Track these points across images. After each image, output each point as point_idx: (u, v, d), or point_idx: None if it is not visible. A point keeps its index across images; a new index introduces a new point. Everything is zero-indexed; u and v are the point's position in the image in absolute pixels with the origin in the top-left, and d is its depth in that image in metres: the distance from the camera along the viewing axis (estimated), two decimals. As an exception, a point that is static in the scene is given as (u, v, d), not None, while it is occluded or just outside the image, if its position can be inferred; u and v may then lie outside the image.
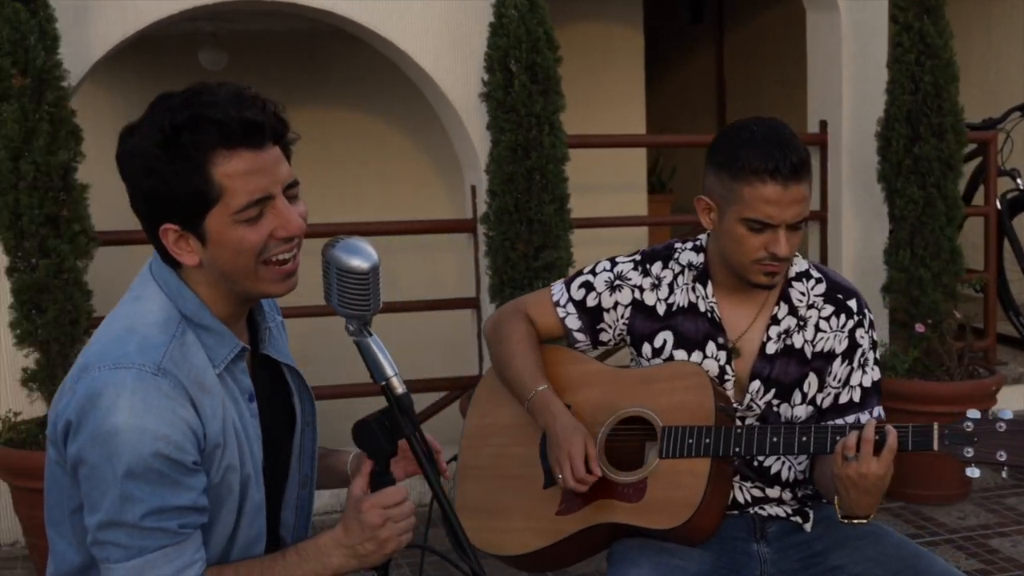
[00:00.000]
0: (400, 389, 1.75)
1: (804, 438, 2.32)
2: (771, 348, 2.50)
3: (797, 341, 2.50)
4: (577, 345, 2.66)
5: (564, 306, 2.63)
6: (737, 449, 2.36)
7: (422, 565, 1.96)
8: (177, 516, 1.70)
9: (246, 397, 1.83)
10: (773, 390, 2.50)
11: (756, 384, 2.49)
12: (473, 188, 4.79)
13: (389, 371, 1.75)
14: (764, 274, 2.41)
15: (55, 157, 3.79)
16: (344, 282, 1.69)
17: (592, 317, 2.61)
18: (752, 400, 2.49)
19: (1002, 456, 2.15)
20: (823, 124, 5.25)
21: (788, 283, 2.52)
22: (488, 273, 4.47)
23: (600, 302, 2.60)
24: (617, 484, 2.44)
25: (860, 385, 2.49)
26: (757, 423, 2.49)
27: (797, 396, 2.50)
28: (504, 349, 2.63)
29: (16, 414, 4.02)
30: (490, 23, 4.36)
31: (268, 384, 1.93)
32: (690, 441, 2.40)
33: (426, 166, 6.62)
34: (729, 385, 2.50)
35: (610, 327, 2.61)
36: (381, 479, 1.78)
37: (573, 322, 2.63)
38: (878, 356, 2.56)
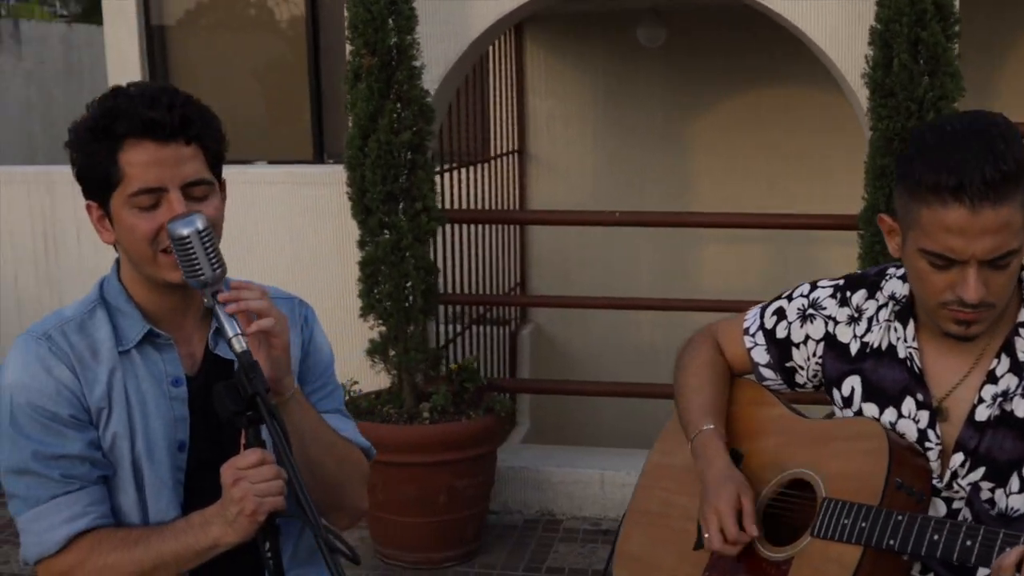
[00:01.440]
0: (240, 348, 1.75)
1: (968, 542, 1.71)
2: (982, 413, 1.87)
3: (1020, 408, 1.86)
4: (766, 383, 2.18)
5: (753, 335, 2.17)
6: (892, 542, 1.81)
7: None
8: (61, 465, 1.85)
9: (169, 380, 1.93)
10: (982, 469, 1.87)
11: (959, 458, 1.89)
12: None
13: (230, 332, 1.77)
14: (955, 322, 1.81)
15: (398, 136, 3.86)
16: (177, 251, 1.78)
17: (781, 351, 2.12)
18: (955, 479, 1.89)
19: None
20: None
21: (1015, 330, 1.88)
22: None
23: (790, 334, 2.11)
24: (762, 559, 1.98)
25: None
26: (967, 508, 1.89)
27: (1015, 482, 1.86)
28: (680, 377, 2.23)
29: (355, 383, 4.17)
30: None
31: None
32: (845, 521, 1.87)
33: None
34: (933, 455, 1.91)
35: (802, 367, 2.10)
36: (251, 443, 1.77)
37: (760, 355, 2.15)
38: None
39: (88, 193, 1.91)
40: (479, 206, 6.05)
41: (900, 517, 1.81)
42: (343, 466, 2.06)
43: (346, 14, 3.95)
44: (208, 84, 6.15)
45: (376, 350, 4.05)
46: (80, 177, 1.90)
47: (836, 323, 2.04)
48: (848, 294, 2.04)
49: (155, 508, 1.91)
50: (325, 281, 4.49)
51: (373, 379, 4.17)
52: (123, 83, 1.92)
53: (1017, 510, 1.86)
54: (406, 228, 3.91)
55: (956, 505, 1.90)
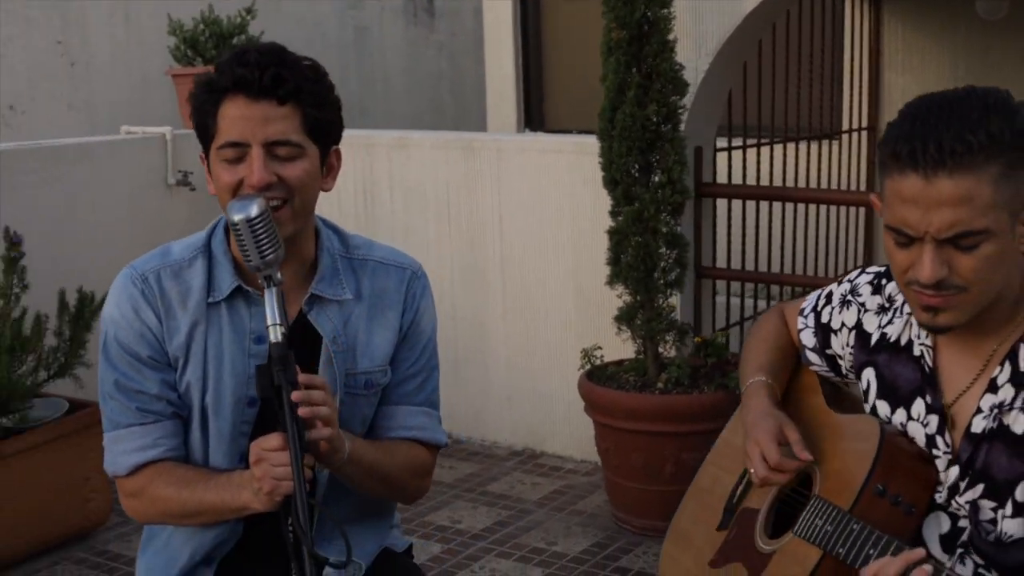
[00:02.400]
0: (274, 338, 1.80)
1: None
2: (978, 425, 1.71)
3: (1017, 424, 1.68)
4: (813, 368, 2.09)
5: (806, 316, 2.08)
6: (841, 551, 1.71)
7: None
8: (139, 399, 2.01)
9: (252, 337, 2.01)
10: (981, 486, 1.72)
11: (955, 472, 1.74)
12: None
13: (271, 320, 1.82)
14: (922, 307, 1.66)
15: (642, 110, 3.91)
16: (232, 232, 1.84)
17: (823, 337, 2.03)
18: (953, 494, 1.75)
19: None
20: None
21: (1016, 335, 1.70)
22: None
23: (831, 319, 2.01)
24: (756, 550, 1.94)
25: None
26: (973, 528, 1.75)
27: (1010, 505, 1.69)
28: (744, 348, 2.20)
29: (598, 348, 4.29)
30: None
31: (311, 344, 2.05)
32: (818, 522, 1.80)
33: None
34: (942, 465, 1.78)
35: (840, 355, 2.00)
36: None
37: (808, 338, 2.07)
38: None
39: (201, 145, 1.99)
40: (824, 183, 5.95)
41: (856, 527, 1.72)
42: (397, 486, 2.15)
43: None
44: (579, 50, 6.43)
45: (623, 318, 4.15)
46: (194, 128, 2.01)
47: (866, 311, 1.95)
48: (884, 281, 1.93)
49: (215, 456, 2.04)
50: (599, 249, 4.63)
51: (620, 348, 4.27)
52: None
53: (1011, 536, 1.70)
54: (648, 200, 3.96)
55: (961, 523, 1.76)
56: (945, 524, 1.77)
